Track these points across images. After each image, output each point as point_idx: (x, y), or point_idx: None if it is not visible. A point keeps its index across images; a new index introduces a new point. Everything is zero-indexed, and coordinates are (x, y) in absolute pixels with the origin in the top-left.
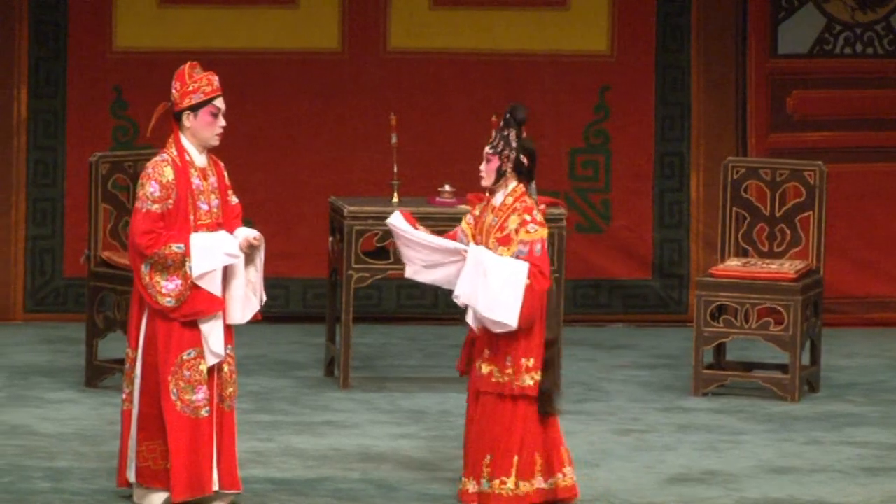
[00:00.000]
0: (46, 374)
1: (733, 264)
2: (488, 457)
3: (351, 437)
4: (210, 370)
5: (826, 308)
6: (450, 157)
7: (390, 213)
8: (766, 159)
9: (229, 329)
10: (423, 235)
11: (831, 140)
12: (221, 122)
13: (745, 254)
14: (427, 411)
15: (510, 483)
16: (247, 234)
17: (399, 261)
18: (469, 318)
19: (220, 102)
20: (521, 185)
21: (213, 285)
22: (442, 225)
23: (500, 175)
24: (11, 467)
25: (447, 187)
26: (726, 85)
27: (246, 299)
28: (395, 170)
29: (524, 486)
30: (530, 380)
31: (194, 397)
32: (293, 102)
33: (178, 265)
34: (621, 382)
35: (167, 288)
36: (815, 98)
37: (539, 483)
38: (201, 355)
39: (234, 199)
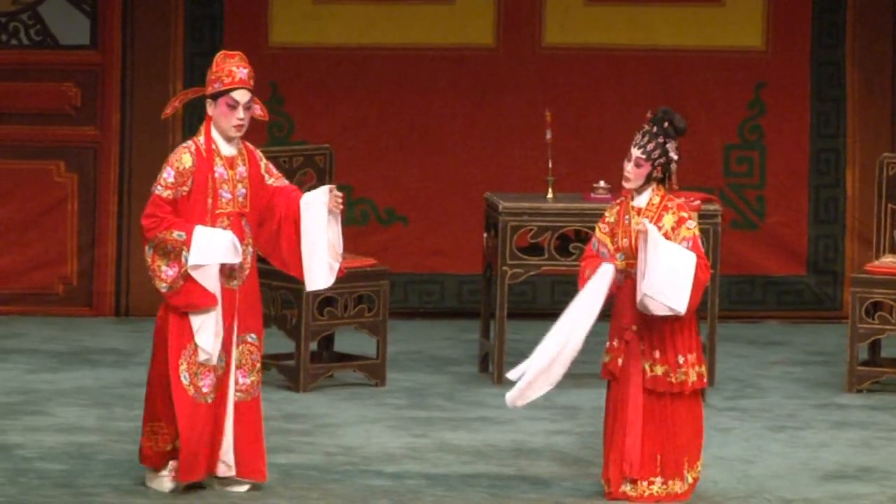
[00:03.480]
0: None
1: (888, 261)
2: (686, 457)
3: (505, 433)
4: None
5: None
6: (604, 152)
7: (545, 209)
8: None
9: (253, 318)
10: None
11: None
12: (240, 114)
13: None
14: (581, 407)
15: (695, 472)
16: (321, 196)
17: (553, 257)
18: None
19: (239, 95)
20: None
21: (206, 279)
22: (597, 221)
23: (648, 181)
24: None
25: (602, 183)
26: (882, 80)
27: (329, 266)
28: (550, 166)
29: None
30: (695, 375)
31: (203, 382)
32: (448, 98)
33: (177, 253)
34: (776, 379)
35: (166, 273)
36: None
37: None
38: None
39: (284, 182)
